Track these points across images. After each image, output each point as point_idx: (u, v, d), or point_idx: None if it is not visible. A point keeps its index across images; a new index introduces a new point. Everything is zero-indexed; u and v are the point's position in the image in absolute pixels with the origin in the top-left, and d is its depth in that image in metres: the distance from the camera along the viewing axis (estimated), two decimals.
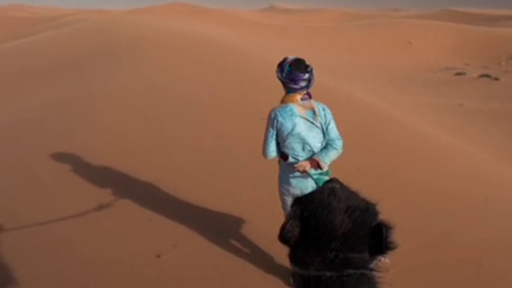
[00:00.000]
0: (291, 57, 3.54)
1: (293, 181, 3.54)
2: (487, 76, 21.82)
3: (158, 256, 4.18)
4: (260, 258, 4.15)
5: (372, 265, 1.39)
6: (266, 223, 4.31)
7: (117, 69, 10.66)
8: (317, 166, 3.38)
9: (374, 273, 1.39)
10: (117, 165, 5.89)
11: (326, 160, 3.41)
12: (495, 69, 24.64)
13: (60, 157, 6.23)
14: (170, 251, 4.26)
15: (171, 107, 8.02)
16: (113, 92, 8.90)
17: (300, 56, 3.63)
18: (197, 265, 4.11)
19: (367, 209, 1.41)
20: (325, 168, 3.41)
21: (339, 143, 3.50)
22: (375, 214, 1.43)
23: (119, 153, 6.30)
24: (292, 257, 1.43)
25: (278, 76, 3.48)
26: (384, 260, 1.57)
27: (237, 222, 4.69)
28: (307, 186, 3.48)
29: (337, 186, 1.57)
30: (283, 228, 1.38)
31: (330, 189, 1.47)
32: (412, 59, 27.12)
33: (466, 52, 29.50)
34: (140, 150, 6.42)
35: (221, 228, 4.61)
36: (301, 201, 1.48)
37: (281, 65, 3.47)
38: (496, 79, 20.96)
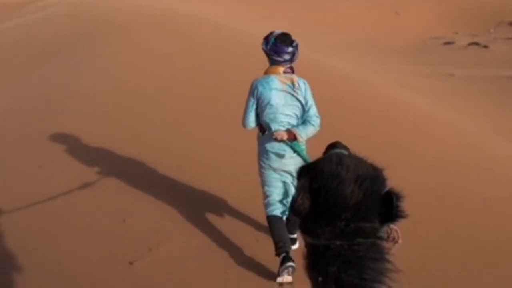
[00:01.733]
0: (277, 31, 3.62)
1: (272, 155, 3.57)
2: (476, 44, 21.62)
3: (131, 263, 3.95)
4: (244, 259, 3.97)
5: (382, 234, 1.40)
6: (247, 222, 4.30)
7: (97, 49, 10.50)
8: (294, 138, 3.45)
9: (384, 241, 1.40)
10: (98, 154, 5.75)
11: (303, 134, 3.50)
12: (484, 37, 24.40)
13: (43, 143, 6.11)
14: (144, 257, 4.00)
15: (152, 91, 7.90)
16: (98, 68, 8.85)
17: (287, 30, 3.71)
18: (174, 272, 3.87)
19: (376, 177, 1.41)
20: (301, 141, 3.49)
21: (317, 120, 3.58)
22: (384, 181, 1.43)
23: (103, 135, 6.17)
24: (303, 227, 1.45)
25: (263, 48, 3.55)
26: (394, 227, 1.50)
27: (217, 222, 4.51)
28: (284, 157, 3.55)
29: (344, 153, 1.59)
30: (294, 201, 1.39)
31: (337, 158, 1.46)
32: (400, 30, 26.77)
33: (454, 20, 29.14)
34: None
35: (200, 229, 4.41)
36: (308, 171, 1.46)
37: (267, 38, 3.55)
38: (486, 46, 20.75)
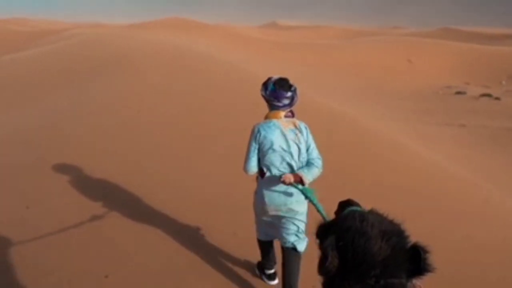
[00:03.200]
0: (275, 76, 3.63)
1: (268, 199, 3.55)
2: (488, 95, 21.54)
3: (106, 277, 3.89)
4: (224, 275, 4.03)
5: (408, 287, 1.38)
6: (234, 247, 4.28)
7: (106, 83, 10.61)
8: (300, 181, 3.39)
9: None
10: (104, 175, 5.82)
11: (309, 177, 3.43)
12: (495, 89, 24.41)
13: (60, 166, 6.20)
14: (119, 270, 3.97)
15: (159, 120, 7.94)
16: (105, 104, 8.89)
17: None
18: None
19: (401, 233, 1.41)
20: (307, 184, 3.41)
21: (319, 162, 3.57)
22: (408, 236, 1.42)
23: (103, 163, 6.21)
24: (329, 286, 1.42)
25: (262, 94, 3.57)
26: (418, 283, 1.46)
27: (195, 234, 4.58)
28: (280, 203, 3.52)
29: (365, 210, 1.59)
30: (324, 261, 1.37)
31: (360, 215, 1.46)
32: (412, 77, 26.89)
33: (466, 70, 29.34)
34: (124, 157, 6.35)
35: (177, 241, 4.45)
36: (330, 229, 1.47)
37: (265, 84, 3.56)
38: (497, 98, 20.66)
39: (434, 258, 1.37)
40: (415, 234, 1.50)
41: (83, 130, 7.61)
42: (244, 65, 14.56)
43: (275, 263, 3.87)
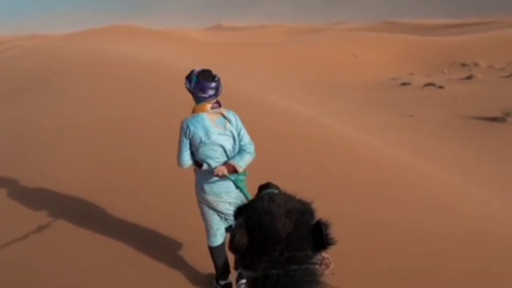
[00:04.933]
0: (198, 68, 3.64)
1: (207, 188, 3.62)
2: (432, 84, 22.00)
3: None
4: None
5: (315, 260, 1.50)
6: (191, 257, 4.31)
7: (53, 94, 10.52)
8: (234, 170, 3.51)
9: (317, 266, 1.52)
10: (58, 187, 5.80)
11: (242, 164, 3.55)
12: (438, 77, 25.02)
13: (2, 180, 6.18)
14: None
15: (106, 129, 7.98)
16: (52, 115, 8.86)
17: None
18: None
19: (305, 210, 1.53)
20: (241, 171, 3.53)
21: (251, 148, 3.66)
22: (313, 213, 1.54)
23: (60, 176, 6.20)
24: (242, 263, 1.52)
25: (186, 87, 3.59)
26: (326, 255, 1.67)
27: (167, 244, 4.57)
28: (221, 192, 3.61)
29: (275, 192, 1.76)
30: (232, 238, 1.47)
31: (269, 197, 1.58)
32: (358, 71, 27.22)
33: (409, 62, 30.02)
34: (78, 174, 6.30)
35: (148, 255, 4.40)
36: (244, 211, 1.58)
37: (189, 77, 3.58)
38: (441, 87, 21.13)
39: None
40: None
41: (24, 146, 7.52)
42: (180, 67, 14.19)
43: (229, 272, 3.87)
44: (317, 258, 1.51)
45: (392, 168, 6.99)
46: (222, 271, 3.85)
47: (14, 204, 5.51)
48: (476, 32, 42.84)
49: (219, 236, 3.80)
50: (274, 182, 2.00)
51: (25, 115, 9.20)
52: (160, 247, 4.47)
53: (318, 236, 1.47)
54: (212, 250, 3.83)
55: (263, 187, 1.99)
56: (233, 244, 1.48)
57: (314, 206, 1.56)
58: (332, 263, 1.67)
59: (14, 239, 4.58)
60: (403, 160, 7.80)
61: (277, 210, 1.50)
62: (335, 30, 65.10)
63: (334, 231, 1.46)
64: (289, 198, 1.61)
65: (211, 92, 3.55)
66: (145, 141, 7.28)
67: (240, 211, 1.63)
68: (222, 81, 3.64)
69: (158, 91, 10.02)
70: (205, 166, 3.57)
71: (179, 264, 4.26)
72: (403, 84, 23.10)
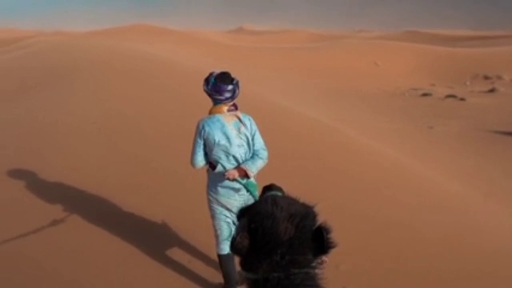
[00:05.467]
0: (217, 71, 3.67)
1: (220, 190, 3.64)
2: (453, 96, 21.67)
3: None
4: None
5: (315, 264, 1.53)
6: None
7: (71, 90, 10.61)
8: (245, 175, 3.49)
9: (317, 270, 1.54)
10: (73, 183, 5.81)
11: (254, 169, 3.54)
12: (460, 89, 24.64)
13: (19, 174, 6.20)
14: None
15: (123, 126, 7.98)
16: (70, 112, 8.92)
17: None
18: None
19: (307, 214, 1.55)
20: (252, 177, 3.52)
21: (264, 154, 3.67)
22: (314, 217, 1.57)
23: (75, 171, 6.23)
24: (243, 265, 1.56)
25: (204, 90, 3.62)
26: (325, 259, 1.60)
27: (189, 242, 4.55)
28: (233, 193, 3.62)
29: (279, 194, 1.80)
30: (233, 240, 1.52)
31: (272, 199, 1.59)
32: (379, 80, 26.95)
33: (431, 72, 29.64)
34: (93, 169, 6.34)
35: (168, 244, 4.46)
36: (246, 213, 1.60)
37: (207, 79, 3.61)
38: (462, 99, 20.80)
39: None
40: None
41: (41, 142, 7.50)
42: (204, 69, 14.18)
43: (236, 283, 3.79)
44: (318, 262, 1.55)
45: (405, 175, 6.87)
46: (230, 280, 3.80)
47: (28, 198, 5.52)
48: (499, 45, 42.14)
49: (228, 245, 3.73)
50: (278, 184, 2.03)
51: (43, 110, 9.27)
52: (173, 247, 4.45)
53: (319, 241, 1.50)
54: (221, 258, 3.81)
55: (266, 189, 2.03)
56: (234, 246, 1.52)
57: (316, 209, 1.60)
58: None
59: (27, 232, 4.61)
60: (417, 170, 7.67)
61: (280, 214, 1.53)
62: (357, 37, 64.75)
63: (335, 235, 1.50)
64: (292, 201, 1.64)
65: (228, 94, 3.58)
66: (163, 140, 7.29)
67: (243, 213, 1.66)
68: (240, 84, 3.66)
69: (176, 91, 10.02)
70: (219, 168, 3.59)
71: (189, 267, 4.23)
72: (424, 94, 22.80)
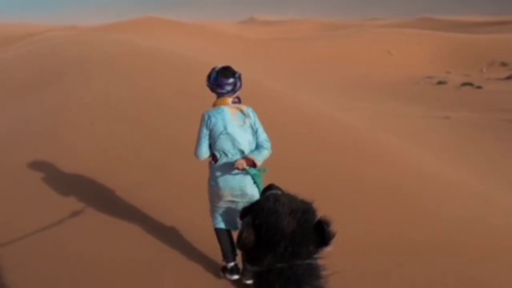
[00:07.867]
0: (219, 65, 3.79)
1: (222, 183, 3.70)
2: (470, 84, 21.30)
3: None
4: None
5: (317, 256, 1.66)
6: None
7: (89, 81, 10.70)
8: (252, 164, 3.60)
9: (319, 261, 1.66)
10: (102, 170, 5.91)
11: (260, 159, 3.65)
12: (476, 77, 24.20)
13: (43, 161, 6.29)
14: None
15: (139, 112, 8.15)
16: (87, 101, 9.02)
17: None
18: None
19: (307, 210, 1.71)
20: (259, 166, 3.62)
21: (268, 144, 3.79)
22: (314, 212, 1.72)
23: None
24: (249, 258, 1.71)
25: (206, 84, 3.75)
26: (329, 249, 1.70)
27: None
28: (235, 186, 3.68)
29: (279, 192, 1.94)
30: (240, 236, 1.64)
31: (274, 197, 1.75)
32: (393, 69, 26.58)
33: (446, 60, 29.16)
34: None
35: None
36: (250, 211, 1.75)
37: (209, 75, 3.73)
38: (479, 87, 20.42)
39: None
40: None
41: (59, 131, 7.59)
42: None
43: (236, 255, 3.88)
44: (320, 253, 1.67)
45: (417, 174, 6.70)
46: (228, 253, 3.88)
47: (43, 186, 5.64)
48: None
49: (225, 220, 3.87)
50: (277, 184, 2.14)
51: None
52: (190, 245, 4.43)
53: (320, 233, 1.63)
54: (217, 231, 3.90)
55: (266, 189, 2.17)
56: (240, 241, 1.63)
57: (315, 206, 1.72)
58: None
59: (36, 230, 4.65)
60: (430, 165, 7.49)
61: (282, 209, 1.66)
62: (370, 26, 63.96)
63: (334, 228, 1.60)
64: (292, 198, 1.79)
65: (229, 88, 3.70)
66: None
67: (246, 212, 1.78)
68: (242, 77, 3.78)
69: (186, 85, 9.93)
70: (223, 159, 3.67)
71: (197, 266, 4.20)
72: (440, 83, 22.45)
